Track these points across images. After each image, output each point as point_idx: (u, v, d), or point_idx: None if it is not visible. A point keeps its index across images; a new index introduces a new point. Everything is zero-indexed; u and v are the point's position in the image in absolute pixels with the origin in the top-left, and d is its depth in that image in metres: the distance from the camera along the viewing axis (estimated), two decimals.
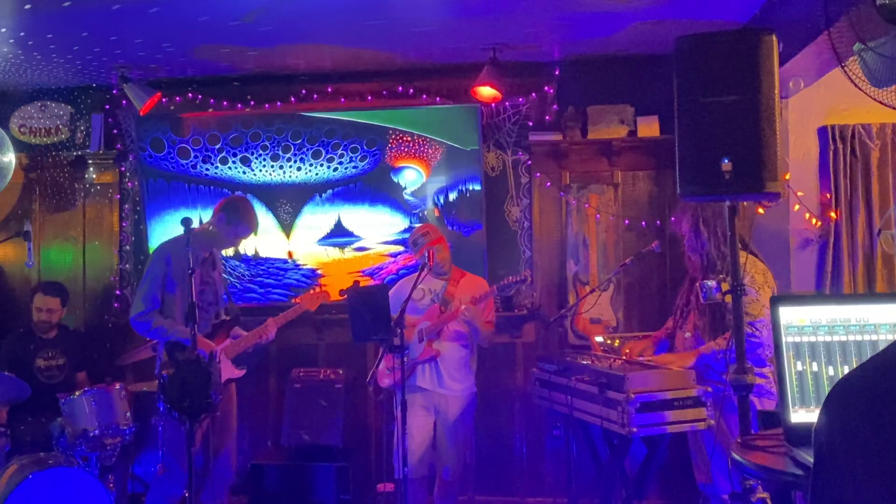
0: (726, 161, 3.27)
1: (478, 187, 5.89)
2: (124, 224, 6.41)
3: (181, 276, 4.61)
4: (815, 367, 2.30)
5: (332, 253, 6.11)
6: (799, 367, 2.29)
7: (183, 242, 4.79)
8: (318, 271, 6.14)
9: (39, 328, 5.70)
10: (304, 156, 6.04)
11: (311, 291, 5.21)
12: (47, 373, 5.63)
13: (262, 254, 6.17)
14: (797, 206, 5.37)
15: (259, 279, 6.19)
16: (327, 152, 6.02)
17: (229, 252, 6.12)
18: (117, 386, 5.04)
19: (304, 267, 6.14)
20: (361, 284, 5.92)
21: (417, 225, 5.62)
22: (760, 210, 5.31)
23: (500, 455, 5.88)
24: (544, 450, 5.91)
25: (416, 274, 4.70)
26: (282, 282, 6.17)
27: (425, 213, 5.95)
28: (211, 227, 4.85)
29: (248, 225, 4.88)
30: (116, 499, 4.85)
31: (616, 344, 4.93)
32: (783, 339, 2.30)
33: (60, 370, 5.68)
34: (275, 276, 6.18)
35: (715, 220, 4.21)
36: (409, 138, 5.93)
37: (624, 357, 4.52)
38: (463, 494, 5.13)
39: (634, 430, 3.88)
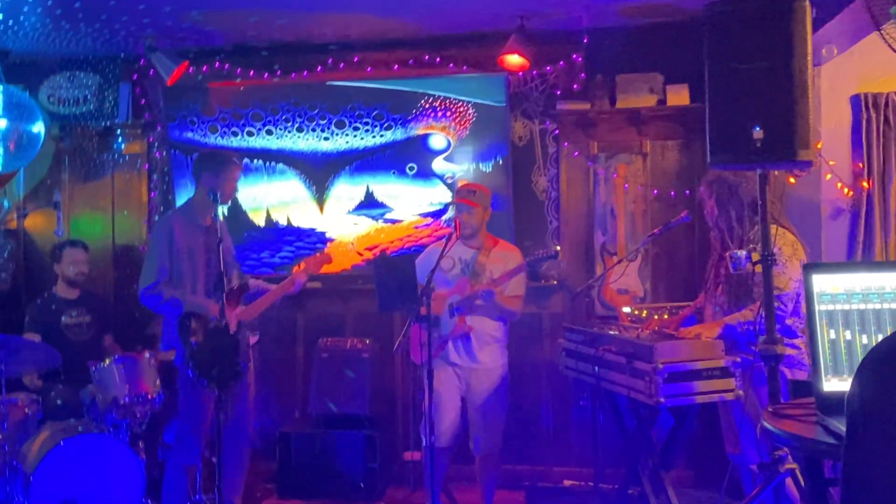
0: (758, 129, 3.22)
1: (505, 157, 5.86)
2: (153, 194, 6.45)
3: (186, 247, 4.61)
4: (848, 336, 2.27)
5: (366, 224, 6.11)
6: (832, 336, 2.26)
7: (186, 211, 4.79)
8: (328, 236, 6.18)
9: (76, 283, 5.76)
10: (329, 125, 6.04)
11: (316, 255, 5.11)
12: (75, 329, 5.68)
13: (295, 223, 6.20)
14: (829, 176, 5.31)
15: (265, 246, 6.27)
16: (352, 121, 6.01)
17: (261, 221, 6.15)
18: (147, 354, 5.08)
19: (312, 238, 6.16)
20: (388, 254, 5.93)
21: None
22: (792, 179, 5.25)
23: (527, 424, 5.89)
24: (570, 420, 5.91)
25: (445, 241, 4.55)
26: (283, 249, 6.23)
27: (453, 182, 5.92)
28: (203, 190, 4.71)
29: (232, 165, 4.80)
30: (147, 466, 4.90)
31: (644, 314, 4.91)
32: (816, 308, 2.28)
33: (88, 328, 5.74)
34: (274, 246, 6.25)
35: (729, 198, 4.19)
36: (438, 102, 5.88)
37: (652, 327, 4.50)
38: (499, 468, 5.04)
39: (662, 400, 3.86)
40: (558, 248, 4.66)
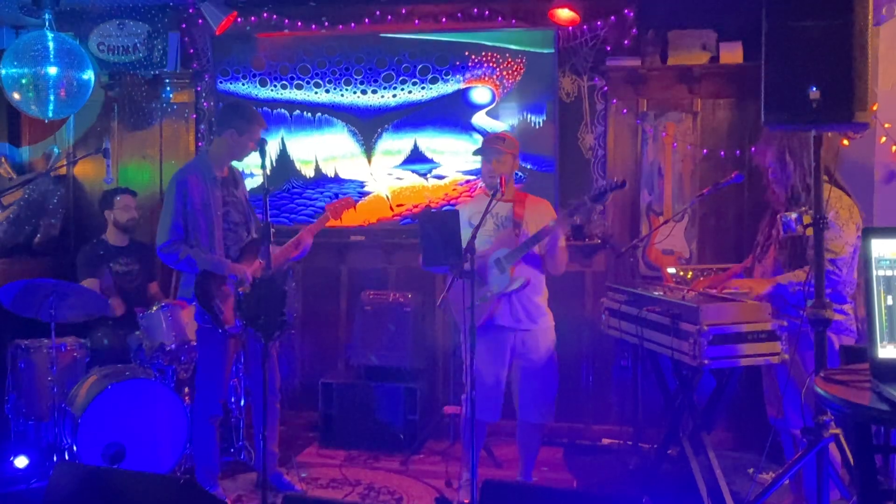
0: (814, 89, 3.15)
1: (551, 112, 5.79)
2: (200, 144, 6.49)
3: (201, 202, 4.57)
4: None
5: (411, 179, 6.10)
6: (889, 302, 2.22)
7: (197, 166, 4.72)
8: (366, 189, 6.18)
9: (127, 229, 5.84)
10: (377, 78, 6.02)
11: (339, 201, 5.06)
12: (125, 277, 5.76)
13: (343, 176, 6.21)
14: (884, 139, 5.18)
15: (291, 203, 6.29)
16: (399, 74, 5.97)
17: (310, 172, 6.18)
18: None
19: (349, 190, 6.16)
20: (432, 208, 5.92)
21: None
22: (845, 142, 5.14)
23: (567, 382, 5.84)
24: (611, 379, 5.91)
25: (489, 200, 4.26)
26: (320, 199, 6.24)
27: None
28: (223, 143, 4.67)
29: (258, 125, 4.68)
30: (191, 411, 4.99)
31: (689, 276, 4.86)
32: (874, 273, 2.23)
33: (136, 275, 5.82)
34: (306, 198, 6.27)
35: (802, 150, 4.08)
36: (485, 55, 5.81)
37: (697, 289, 4.46)
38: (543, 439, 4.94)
39: (706, 362, 3.84)
40: (625, 178, 4.42)
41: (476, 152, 4.80)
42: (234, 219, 4.70)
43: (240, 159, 4.83)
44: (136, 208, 5.88)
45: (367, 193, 6.15)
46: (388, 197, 6.12)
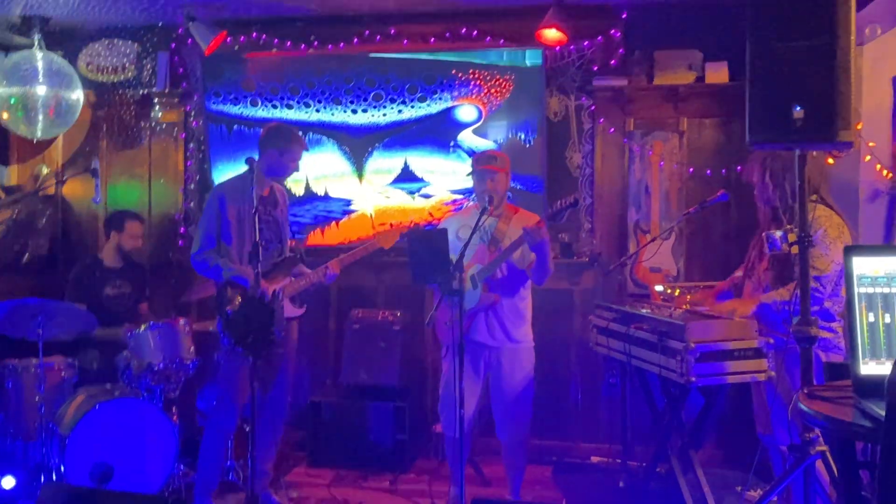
0: (798, 108, 3.18)
1: (539, 131, 5.82)
2: (189, 163, 6.49)
3: (236, 217, 4.65)
4: (887, 319, 2.25)
5: (399, 198, 6.11)
6: (871, 319, 2.25)
7: (237, 183, 4.81)
8: (351, 207, 6.20)
9: (129, 254, 5.83)
10: (366, 97, 6.04)
11: (389, 227, 5.10)
12: (116, 300, 5.74)
13: (333, 195, 6.23)
14: (868, 157, 5.23)
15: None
16: (388, 94, 6.00)
17: (299, 191, 6.19)
18: (181, 321, 5.15)
19: (335, 209, 6.18)
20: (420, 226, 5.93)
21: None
22: (830, 160, 5.18)
23: (555, 400, 5.90)
24: (599, 397, 5.92)
25: (479, 217, 4.30)
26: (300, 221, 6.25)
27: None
28: (264, 164, 4.74)
29: (298, 146, 4.80)
30: (180, 430, 4.98)
31: (676, 293, 4.88)
32: (856, 290, 2.26)
33: (128, 298, 5.79)
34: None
35: (784, 173, 4.12)
36: (473, 74, 5.84)
37: (684, 307, 4.48)
38: (527, 456, 4.88)
39: (693, 379, 3.86)
40: (579, 194, 4.42)
41: (470, 173, 4.72)
42: (266, 237, 4.73)
43: (279, 179, 4.94)
44: (142, 236, 5.88)
45: (353, 212, 6.17)
46: (371, 215, 6.13)
